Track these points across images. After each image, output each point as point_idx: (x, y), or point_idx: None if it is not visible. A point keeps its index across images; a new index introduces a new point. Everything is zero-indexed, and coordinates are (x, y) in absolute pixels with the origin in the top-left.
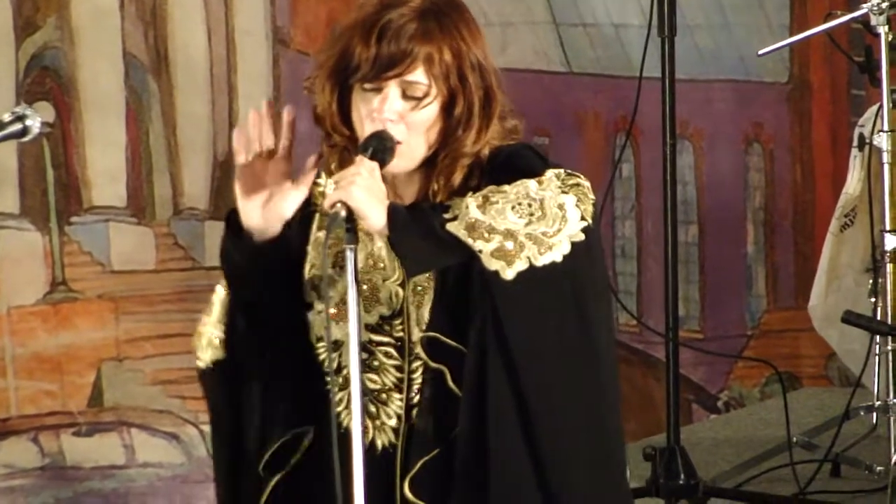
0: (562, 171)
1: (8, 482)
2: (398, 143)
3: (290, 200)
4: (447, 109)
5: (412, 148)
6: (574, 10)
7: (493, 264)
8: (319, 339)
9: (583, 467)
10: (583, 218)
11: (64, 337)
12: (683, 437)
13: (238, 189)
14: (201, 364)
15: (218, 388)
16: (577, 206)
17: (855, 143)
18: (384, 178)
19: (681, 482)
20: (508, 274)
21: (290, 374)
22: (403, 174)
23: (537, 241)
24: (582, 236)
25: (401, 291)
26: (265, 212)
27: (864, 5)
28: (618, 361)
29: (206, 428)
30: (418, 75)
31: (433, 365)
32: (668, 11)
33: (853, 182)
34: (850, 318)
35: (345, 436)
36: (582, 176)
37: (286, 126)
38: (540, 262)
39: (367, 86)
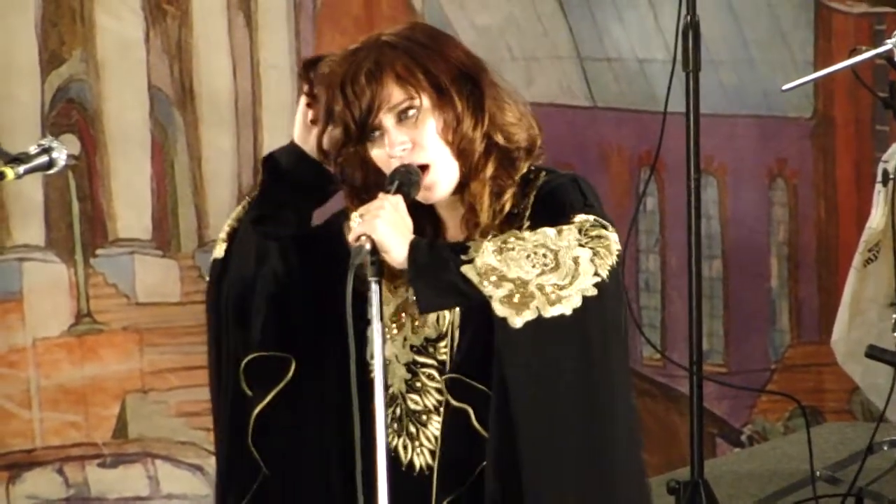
0: (590, 218)
1: None
2: (428, 164)
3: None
4: (440, 108)
5: (442, 161)
6: (599, 45)
7: (502, 311)
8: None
9: None
10: (597, 273)
11: (89, 369)
12: (707, 470)
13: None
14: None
15: (211, 283)
16: (592, 260)
17: (879, 178)
18: (434, 212)
19: None
20: (516, 322)
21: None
22: (447, 202)
23: (547, 293)
24: (594, 291)
25: (447, 315)
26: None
27: (889, 41)
28: (635, 413)
29: None
30: (396, 97)
31: (456, 405)
32: (692, 47)
33: (877, 217)
34: (874, 353)
35: (391, 455)
36: (610, 226)
37: None
38: (548, 313)
39: (371, 138)
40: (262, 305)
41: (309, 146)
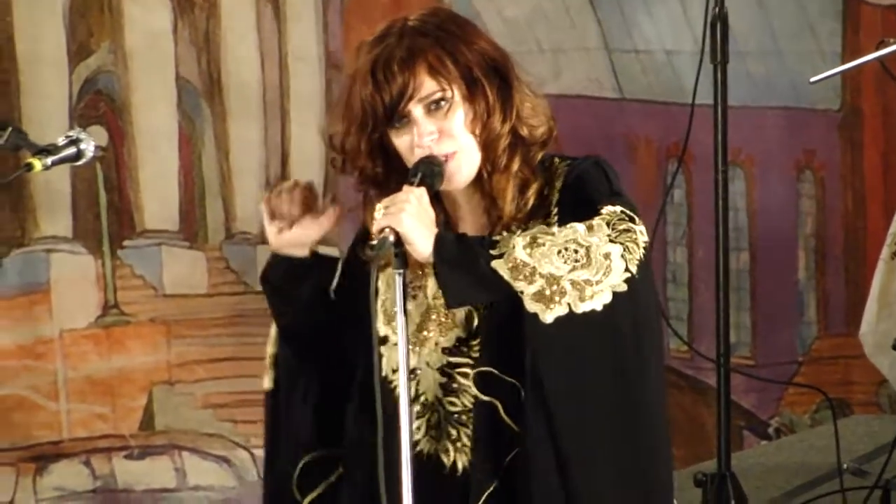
0: (617, 210)
1: None
2: (455, 152)
3: (309, 230)
4: (470, 100)
5: (467, 152)
6: (627, 37)
7: (533, 307)
8: (395, 370)
9: None
10: (627, 269)
11: (116, 360)
12: (734, 463)
13: (264, 213)
14: (264, 387)
15: (266, 414)
16: (622, 256)
17: None
18: (450, 205)
19: None
20: (547, 318)
21: (335, 400)
22: (465, 195)
23: (579, 289)
24: (625, 287)
25: (476, 313)
26: (286, 236)
27: None
28: (665, 407)
29: (257, 451)
30: (427, 87)
31: (484, 398)
32: (720, 38)
33: None
34: None
35: (424, 460)
36: (637, 217)
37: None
38: (580, 309)
39: (396, 125)
40: (310, 411)
41: (285, 246)
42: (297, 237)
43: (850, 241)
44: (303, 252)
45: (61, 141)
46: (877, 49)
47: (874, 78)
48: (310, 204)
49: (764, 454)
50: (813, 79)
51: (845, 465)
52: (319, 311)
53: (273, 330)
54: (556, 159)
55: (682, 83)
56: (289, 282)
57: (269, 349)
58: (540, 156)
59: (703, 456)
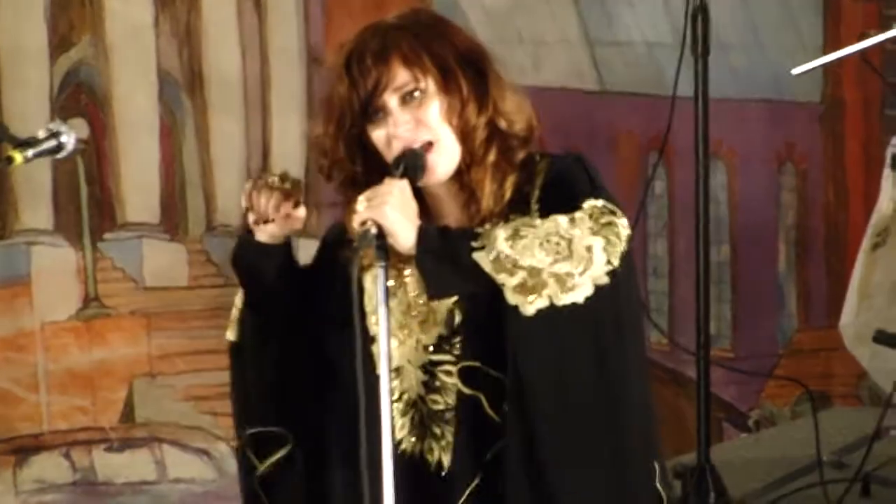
0: (599, 204)
1: (39, 497)
2: (433, 141)
3: (283, 228)
4: (445, 91)
5: (445, 143)
6: (607, 29)
7: (514, 299)
8: (396, 370)
9: None
10: (609, 261)
11: (96, 353)
12: (714, 455)
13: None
14: (227, 336)
15: (231, 365)
16: (604, 249)
17: (888, 162)
18: (429, 198)
19: (711, 501)
20: (528, 310)
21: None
22: (444, 189)
23: (560, 281)
24: (606, 279)
25: (458, 310)
26: (262, 228)
27: None
28: (650, 400)
29: None
30: (401, 78)
31: (468, 392)
32: (701, 30)
33: (885, 201)
34: (882, 337)
35: (407, 459)
36: (619, 210)
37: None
38: (561, 301)
39: (373, 119)
40: (271, 381)
41: (264, 233)
42: (272, 232)
43: (831, 234)
44: (278, 241)
45: (42, 133)
46: (858, 41)
47: (855, 70)
48: (288, 201)
49: (744, 446)
50: (794, 71)
51: (825, 458)
52: (286, 295)
53: (239, 296)
54: (537, 156)
55: (663, 75)
56: (258, 262)
57: (238, 301)
58: (522, 154)
59: (682, 448)
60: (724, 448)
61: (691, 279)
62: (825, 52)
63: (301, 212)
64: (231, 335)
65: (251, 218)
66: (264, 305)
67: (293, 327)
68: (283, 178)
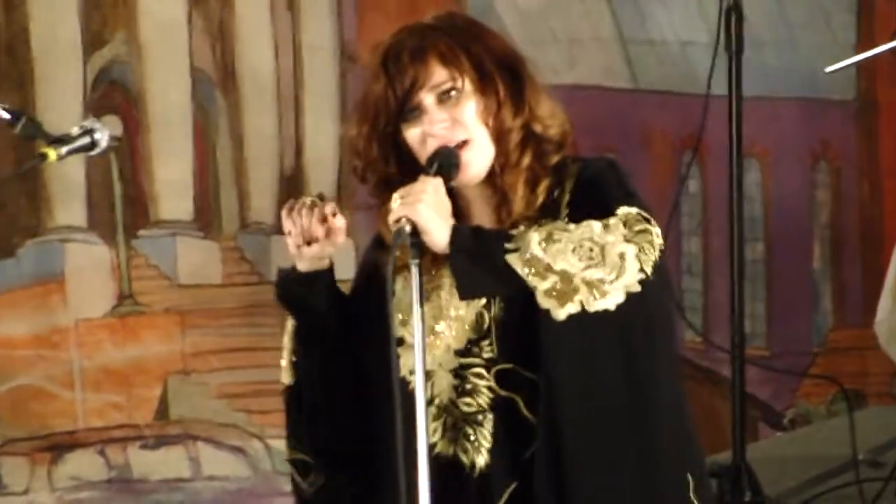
0: (633, 211)
1: (75, 494)
2: (468, 140)
3: (327, 246)
4: (482, 92)
5: (480, 143)
6: (641, 28)
7: (545, 303)
8: (412, 372)
9: None
10: (641, 269)
11: (131, 350)
12: (749, 454)
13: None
14: (283, 381)
15: (287, 410)
16: (637, 256)
17: None
18: (460, 200)
19: (747, 500)
20: (560, 315)
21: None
22: (477, 191)
23: (592, 287)
24: (638, 287)
25: (486, 314)
26: (306, 251)
27: None
28: (685, 409)
29: (272, 442)
30: (438, 76)
31: (503, 394)
32: (735, 28)
33: None
34: None
35: (442, 462)
36: (652, 218)
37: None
38: (592, 307)
39: (408, 118)
40: (328, 424)
41: (305, 258)
42: (316, 253)
43: (866, 232)
44: (323, 265)
45: (76, 131)
46: (892, 39)
47: (889, 68)
48: (326, 220)
49: (779, 445)
50: (828, 69)
51: (860, 457)
52: (340, 319)
53: (290, 323)
54: (570, 160)
55: (696, 74)
56: (307, 294)
57: (286, 342)
58: (556, 158)
59: (718, 447)
60: (760, 447)
61: (726, 277)
62: (859, 50)
63: (340, 221)
64: (286, 378)
65: (294, 242)
66: (318, 333)
67: (342, 351)
68: (320, 196)
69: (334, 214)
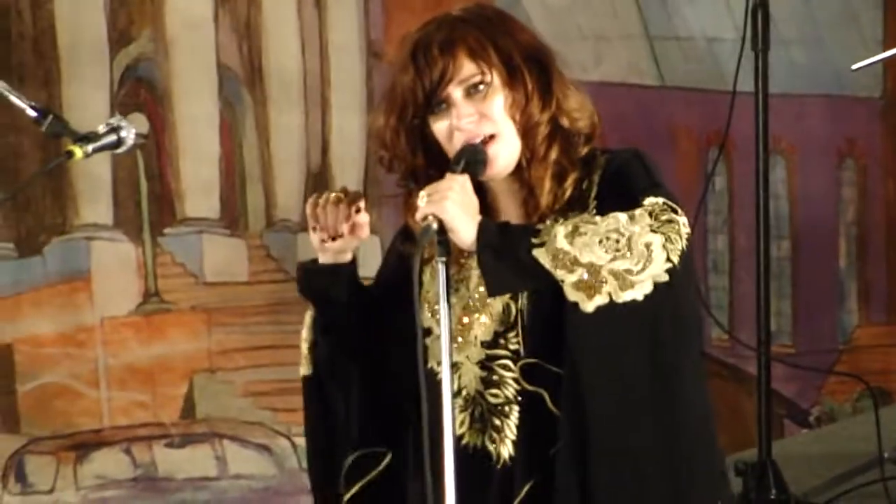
0: (659, 201)
1: (100, 493)
2: (495, 134)
3: (351, 241)
4: (510, 86)
5: (507, 137)
6: (668, 24)
7: (573, 296)
8: (440, 363)
9: None
10: (668, 259)
11: (156, 348)
12: (775, 451)
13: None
14: (301, 372)
15: (307, 400)
16: (664, 246)
17: None
18: (488, 193)
19: (772, 497)
20: (588, 307)
21: (376, 397)
22: (505, 185)
23: (620, 278)
24: (666, 277)
25: (513, 305)
26: (329, 246)
27: None
28: (707, 399)
29: (298, 440)
30: (467, 70)
31: (530, 389)
32: (761, 26)
33: None
34: None
35: (470, 453)
36: (679, 208)
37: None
38: (621, 298)
39: (436, 110)
40: (355, 408)
41: (328, 252)
42: (340, 247)
43: (892, 230)
44: (345, 258)
45: (102, 129)
46: None
47: None
48: (351, 209)
49: (805, 443)
50: (854, 66)
51: (886, 454)
52: (360, 311)
53: (308, 316)
54: (598, 152)
55: (723, 71)
56: (329, 286)
57: (305, 334)
58: (584, 151)
59: (743, 445)
60: (785, 444)
61: (752, 275)
62: (886, 48)
63: (364, 217)
64: (304, 370)
65: (318, 237)
66: (339, 326)
67: (366, 345)
68: (344, 191)
69: (358, 211)
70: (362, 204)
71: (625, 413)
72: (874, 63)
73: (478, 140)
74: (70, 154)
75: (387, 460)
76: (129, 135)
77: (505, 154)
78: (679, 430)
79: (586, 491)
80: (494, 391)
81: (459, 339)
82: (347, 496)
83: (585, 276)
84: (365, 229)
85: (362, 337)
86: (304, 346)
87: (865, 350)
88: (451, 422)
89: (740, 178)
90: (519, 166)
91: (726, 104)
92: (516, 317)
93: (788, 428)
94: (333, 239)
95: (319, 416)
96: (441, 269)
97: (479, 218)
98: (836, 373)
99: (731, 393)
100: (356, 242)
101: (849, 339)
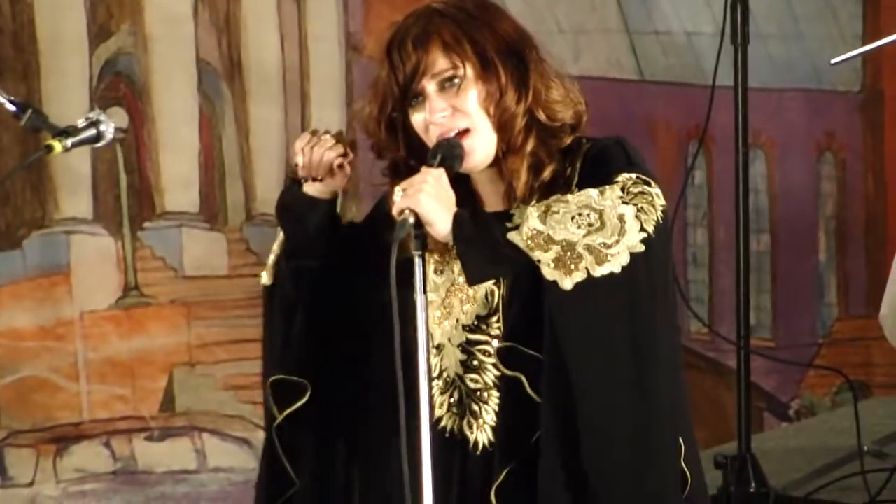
0: (633, 176)
1: (80, 486)
2: (469, 129)
3: (334, 184)
4: (484, 80)
5: (482, 131)
6: (647, 19)
7: (551, 275)
8: (438, 347)
9: (628, 482)
10: (642, 229)
11: (136, 342)
12: (754, 445)
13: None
14: (261, 281)
15: (265, 307)
16: (637, 216)
17: None
18: (471, 183)
19: (751, 490)
20: (566, 284)
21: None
22: (485, 176)
23: (595, 253)
24: (642, 247)
25: (496, 290)
26: (313, 184)
27: None
28: (683, 369)
29: None
30: (440, 64)
31: (509, 373)
32: (740, 20)
33: None
34: None
35: (447, 437)
36: (654, 181)
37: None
38: (598, 272)
39: (412, 103)
40: (298, 331)
41: (313, 186)
42: (321, 188)
43: (871, 223)
44: (326, 196)
45: (81, 123)
46: None
47: (895, 60)
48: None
49: (784, 436)
50: (833, 60)
51: (866, 448)
52: (326, 247)
53: (281, 234)
54: (583, 140)
55: (702, 65)
56: (302, 213)
57: (275, 248)
58: (569, 140)
59: (723, 438)
60: (765, 438)
61: (731, 269)
62: (865, 42)
63: (347, 170)
64: (267, 279)
65: (301, 173)
66: (303, 254)
67: (329, 281)
68: (338, 137)
69: (345, 155)
70: (350, 156)
71: (609, 387)
72: (853, 57)
73: (452, 134)
74: (49, 148)
75: (307, 394)
76: (108, 129)
77: (481, 148)
78: (657, 397)
79: (571, 471)
80: (474, 376)
81: (442, 321)
82: (279, 419)
83: (561, 253)
84: (342, 179)
85: (327, 270)
86: (271, 258)
87: (845, 343)
88: (429, 411)
89: (720, 172)
90: (497, 159)
91: (706, 98)
92: (498, 302)
93: (768, 421)
94: (314, 180)
95: (269, 325)
96: (418, 262)
97: (454, 209)
98: (816, 366)
99: (710, 386)
100: (333, 187)
101: (828, 333)
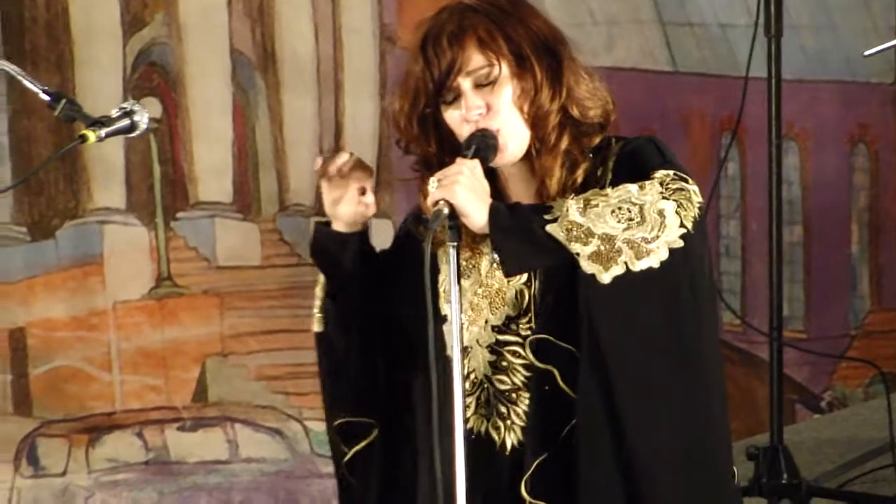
0: (670, 173)
1: (112, 476)
2: (499, 129)
3: (363, 210)
4: (519, 77)
5: (514, 129)
6: (680, 10)
7: (590, 268)
8: (465, 349)
9: (676, 473)
10: (682, 224)
11: (169, 332)
12: (786, 436)
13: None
14: (313, 329)
15: (319, 356)
16: (676, 212)
17: None
18: (499, 180)
19: (783, 482)
20: (605, 278)
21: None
22: (517, 173)
23: (635, 247)
24: (681, 243)
25: (526, 291)
26: (341, 209)
27: None
28: (723, 364)
29: (310, 424)
30: (476, 61)
31: (541, 366)
32: (774, 11)
33: None
34: None
35: (474, 438)
36: (690, 179)
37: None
38: (637, 267)
39: (447, 100)
40: (353, 372)
41: (340, 220)
42: (352, 215)
43: None
44: (356, 228)
45: (115, 113)
46: None
47: None
48: (362, 177)
49: (816, 428)
50: (867, 52)
51: None
52: (365, 281)
53: (322, 276)
54: (613, 140)
55: (735, 56)
56: (337, 254)
57: (318, 292)
58: (598, 139)
59: (755, 429)
60: (797, 429)
61: (764, 260)
62: None
63: (369, 198)
64: (317, 326)
65: (330, 198)
66: (345, 293)
67: (373, 314)
68: (357, 164)
69: (363, 192)
70: (369, 186)
71: (646, 381)
72: (886, 49)
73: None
74: (83, 138)
75: (374, 432)
76: (142, 119)
77: (513, 144)
78: (698, 394)
79: (614, 464)
80: (502, 377)
81: (469, 324)
82: (347, 456)
83: (600, 246)
84: (369, 209)
85: (369, 304)
86: (317, 304)
87: (877, 335)
88: (463, 408)
89: (753, 163)
90: (529, 154)
91: (739, 90)
92: (529, 302)
93: (800, 413)
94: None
95: (326, 371)
96: (452, 253)
97: (489, 201)
98: (848, 358)
99: (742, 378)
100: (361, 217)
101: (861, 325)
